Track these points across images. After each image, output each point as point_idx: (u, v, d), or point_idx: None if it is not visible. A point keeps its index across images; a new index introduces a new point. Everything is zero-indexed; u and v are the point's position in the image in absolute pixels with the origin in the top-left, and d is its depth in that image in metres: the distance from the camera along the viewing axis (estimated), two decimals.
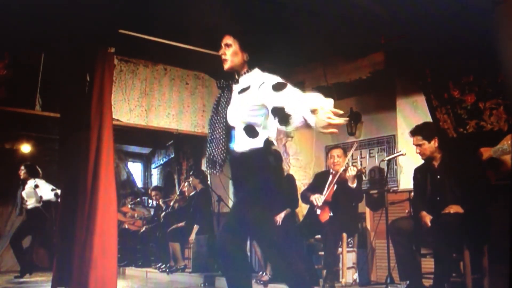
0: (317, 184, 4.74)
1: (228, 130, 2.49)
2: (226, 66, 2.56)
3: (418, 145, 3.78)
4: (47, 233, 6.77)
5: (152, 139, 8.95)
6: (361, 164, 5.49)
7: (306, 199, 4.66)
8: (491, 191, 3.59)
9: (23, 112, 5.22)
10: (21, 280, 6.08)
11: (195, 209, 6.20)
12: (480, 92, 4.11)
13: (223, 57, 2.56)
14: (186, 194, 6.73)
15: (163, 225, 6.69)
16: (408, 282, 3.62)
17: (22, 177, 6.54)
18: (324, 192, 4.50)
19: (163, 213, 6.90)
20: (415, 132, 3.81)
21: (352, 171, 4.37)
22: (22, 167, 6.58)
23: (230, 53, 2.54)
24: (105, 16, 4.10)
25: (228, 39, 2.55)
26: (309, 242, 4.53)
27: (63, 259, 3.88)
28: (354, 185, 4.41)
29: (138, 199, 8.72)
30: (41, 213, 6.47)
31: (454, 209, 3.42)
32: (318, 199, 4.42)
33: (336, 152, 4.68)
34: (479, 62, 3.96)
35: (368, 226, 4.80)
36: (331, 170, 4.71)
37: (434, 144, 3.73)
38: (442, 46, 4.15)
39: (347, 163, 4.65)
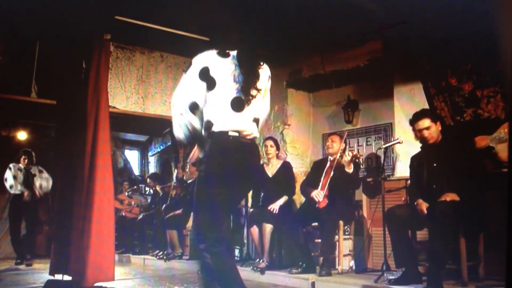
0: (316, 171, 4.75)
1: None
2: None
3: (426, 128, 3.65)
4: (41, 220, 6.77)
5: (149, 127, 8.91)
6: (358, 152, 5.49)
7: (306, 194, 4.65)
8: (488, 179, 3.59)
9: (18, 99, 5.19)
10: (20, 267, 6.10)
11: (192, 197, 6.19)
12: (477, 80, 4.09)
13: None
14: (185, 180, 6.73)
15: (161, 213, 6.71)
16: (404, 269, 3.64)
17: (24, 164, 6.51)
18: (322, 185, 4.51)
19: (163, 206, 6.87)
20: (423, 114, 3.70)
21: (347, 156, 4.42)
22: (24, 155, 6.54)
23: None
24: (101, 2, 4.06)
25: None
26: (306, 230, 4.54)
27: (60, 246, 3.88)
28: (351, 171, 4.45)
29: (135, 187, 8.74)
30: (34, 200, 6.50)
31: (450, 197, 3.42)
32: (318, 195, 4.42)
33: (332, 137, 4.73)
34: (477, 50, 3.94)
35: (365, 214, 4.82)
36: (329, 157, 4.72)
37: (438, 127, 3.71)
38: (441, 34, 4.13)
39: (342, 149, 4.66)
